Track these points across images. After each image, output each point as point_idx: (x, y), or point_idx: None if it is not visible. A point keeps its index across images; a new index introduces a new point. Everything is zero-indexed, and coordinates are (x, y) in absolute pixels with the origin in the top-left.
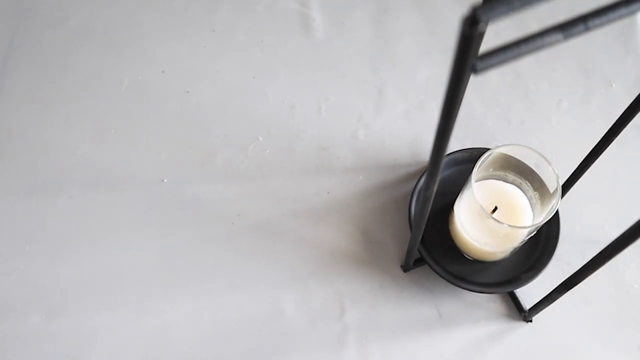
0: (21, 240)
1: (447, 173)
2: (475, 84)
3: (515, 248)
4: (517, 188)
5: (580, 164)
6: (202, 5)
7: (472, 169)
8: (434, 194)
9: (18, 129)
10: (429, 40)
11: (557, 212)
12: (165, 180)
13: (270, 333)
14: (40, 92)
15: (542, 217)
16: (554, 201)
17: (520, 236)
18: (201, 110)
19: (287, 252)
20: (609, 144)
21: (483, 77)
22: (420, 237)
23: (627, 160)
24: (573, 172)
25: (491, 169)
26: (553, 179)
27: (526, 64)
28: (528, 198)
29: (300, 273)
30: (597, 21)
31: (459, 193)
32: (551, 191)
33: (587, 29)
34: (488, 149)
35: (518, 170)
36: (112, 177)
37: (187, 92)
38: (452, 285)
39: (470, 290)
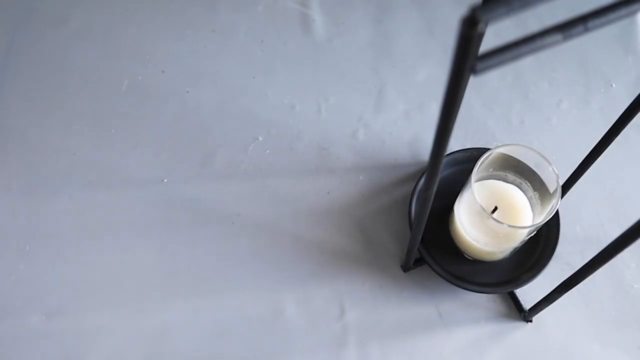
0: (21, 240)
1: (447, 173)
2: (475, 84)
3: (515, 248)
4: (517, 188)
5: (580, 164)
6: (202, 5)
7: (472, 169)
8: (433, 194)
9: (18, 129)
10: (429, 40)
11: (557, 212)
12: (165, 180)
13: (270, 333)
14: (40, 92)
15: (542, 217)
16: (554, 201)
17: (520, 236)
18: (201, 110)
19: (287, 252)
20: (609, 144)
21: (483, 77)
22: (420, 237)
23: (627, 160)
24: (573, 172)
25: (491, 169)
26: (553, 179)
27: (526, 64)
28: (528, 198)
29: (300, 273)
30: (596, 22)
31: (459, 193)
32: (551, 191)
33: (586, 30)
34: (488, 149)
35: (518, 170)
36: (112, 177)
37: (187, 92)
38: (452, 285)
39: (470, 290)
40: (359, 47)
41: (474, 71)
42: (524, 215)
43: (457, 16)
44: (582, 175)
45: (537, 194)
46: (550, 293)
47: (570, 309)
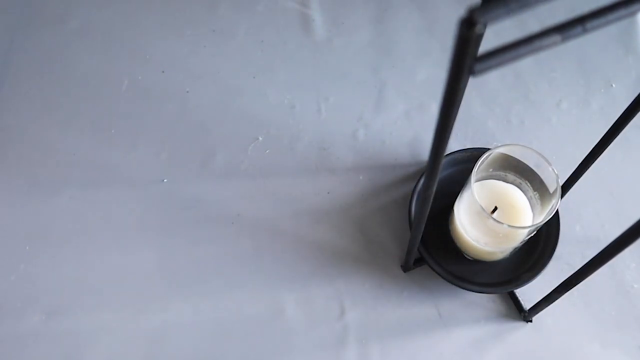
0: (21, 240)
1: (447, 173)
2: (475, 84)
3: (515, 248)
4: (517, 188)
5: (580, 164)
6: (202, 5)
7: (472, 169)
8: (433, 194)
9: (18, 129)
10: (429, 40)
11: (557, 212)
12: (165, 180)
13: (270, 333)
14: (40, 92)
15: (542, 217)
16: (554, 201)
17: (520, 236)
18: (201, 110)
19: (287, 252)
20: (609, 144)
21: (483, 77)
22: (420, 237)
23: (627, 160)
24: (573, 172)
25: (491, 169)
26: (553, 179)
27: (526, 64)
28: (528, 198)
29: (300, 273)
30: (595, 23)
31: (459, 193)
32: (551, 191)
33: (585, 31)
34: (488, 149)
35: (518, 170)
36: (112, 177)
37: (187, 92)
38: (452, 285)
39: (470, 290)
40: (359, 47)
41: (473, 72)
42: (524, 215)
43: (457, 16)
44: (582, 175)
45: (537, 194)
46: (550, 293)
47: (570, 309)
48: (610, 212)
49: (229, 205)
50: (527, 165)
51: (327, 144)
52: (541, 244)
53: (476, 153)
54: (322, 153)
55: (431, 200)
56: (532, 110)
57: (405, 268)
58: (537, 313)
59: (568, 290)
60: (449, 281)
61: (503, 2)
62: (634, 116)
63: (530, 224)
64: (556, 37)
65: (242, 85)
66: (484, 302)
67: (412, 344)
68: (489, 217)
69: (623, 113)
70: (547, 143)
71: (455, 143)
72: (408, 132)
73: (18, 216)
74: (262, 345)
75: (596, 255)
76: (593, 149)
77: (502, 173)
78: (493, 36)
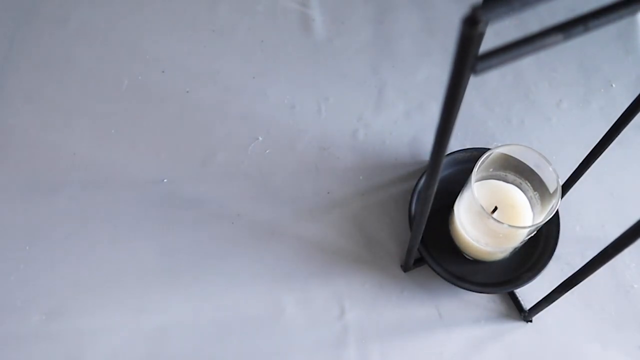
0: (21, 240)
1: (447, 173)
2: (475, 84)
3: (515, 248)
4: (517, 188)
5: (580, 164)
6: (202, 5)
7: (472, 169)
8: (433, 194)
9: (18, 129)
10: (429, 40)
11: (557, 212)
12: (165, 180)
13: (270, 333)
14: (40, 92)
15: (542, 217)
16: (554, 201)
17: (520, 236)
18: (201, 110)
19: (287, 252)
20: (609, 144)
21: (483, 77)
22: (420, 237)
23: (627, 160)
24: (573, 172)
25: (491, 169)
26: (553, 179)
27: (526, 64)
28: (528, 198)
29: (300, 273)
30: (596, 22)
31: (459, 193)
32: (551, 191)
33: (586, 30)
34: (488, 149)
35: (518, 170)
36: (112, 177)
37: (187, 92)
38: (452, 285)
39: (470, 290)
40: (359, 47)
41: (475, 71)
42: (524, 215)
43: (457, 16)
44: (582, 175)
45: (537, 194)
46: (550, 293)
47: (570, 309)
48: (610, 212)
49: (229, 205)
50: (527, 165)
51: (327, 144)
52: (541, 244)
53: (476, 153)
54: (322, 153)
55: (431, 200)
56: (532, 110)
57: (405, 268)
58: (537, 313)
59: (568, 290)
60: (449, 281)
61: (505, 0)
62: (634, 116)
63: (530, 224)
64: (558, 36)
65: (242, 85)
66: (484, 302)
67: (412, 344)
68: (489, 217)
69: (623, 113)
70: (547, 143)
71: (456, 143)
72: (408, 132)
73: (18, 216)
74: (262, 345)
75: (596, 255)
76: (593, 149)
77: (502, 173)
78: (493, 36)
